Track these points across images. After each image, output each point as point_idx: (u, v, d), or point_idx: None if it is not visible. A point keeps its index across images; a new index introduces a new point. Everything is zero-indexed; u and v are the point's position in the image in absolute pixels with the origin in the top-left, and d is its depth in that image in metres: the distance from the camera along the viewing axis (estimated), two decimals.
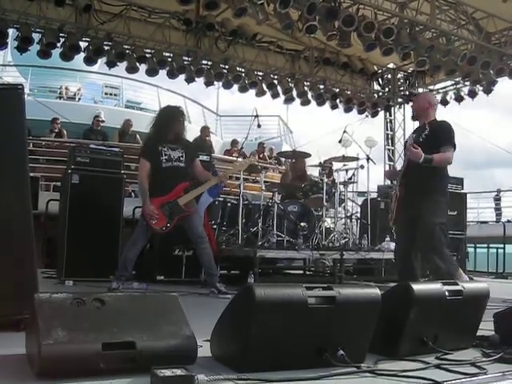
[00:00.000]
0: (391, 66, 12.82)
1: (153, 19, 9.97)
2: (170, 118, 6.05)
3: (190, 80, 10.68)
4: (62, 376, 2.25)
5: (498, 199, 19.96)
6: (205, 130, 12.88)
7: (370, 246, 8.15)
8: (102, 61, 10.16)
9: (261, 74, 11.45)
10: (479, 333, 3.36)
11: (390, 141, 13.56)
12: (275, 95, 11.66)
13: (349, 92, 12.52)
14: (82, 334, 2.37)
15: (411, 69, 12.52)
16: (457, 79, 11.77)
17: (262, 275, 6.85)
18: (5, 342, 2.89)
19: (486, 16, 9.65)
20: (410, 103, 9.71)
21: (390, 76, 13.25)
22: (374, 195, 9.47)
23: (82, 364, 2.31)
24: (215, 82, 11.21)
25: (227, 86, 11.26)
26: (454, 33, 9.52)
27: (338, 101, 12.43)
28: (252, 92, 11.43)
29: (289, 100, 12.07)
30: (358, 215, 8.94)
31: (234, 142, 14.50)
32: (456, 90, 12.10)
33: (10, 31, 9.08)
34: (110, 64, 9.91)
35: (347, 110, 12.61)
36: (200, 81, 10.86)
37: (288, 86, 11.67)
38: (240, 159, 7.23)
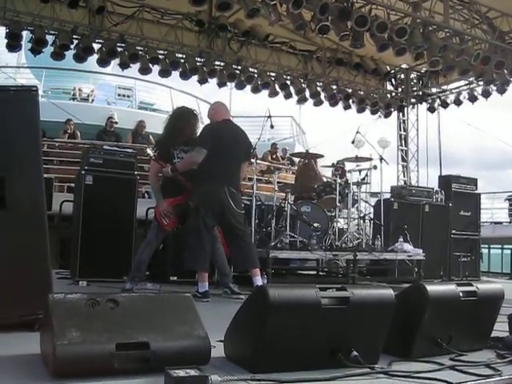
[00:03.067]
0: (404, 66, 12.76)
1: (165, 20, 10.00)
2: (183, 121, 6.06)
3: (202, 81, 10.70)
4: (76, 376, 2.27)
5: (511, 200, 19.78)
6: None
7: (383, 246, 8.11)
8: (115, 62, 10.17)
9: (273, 74, 11.44)
10: (493, 334, 3.34)
11: (403, 141, 13.50)
12: (288, 96, 11.65)
13: (362, 92, 12.49)
14: (96, 335, 2.38)
15: (424, 69, 12.47)
16: (470, 79, 11.70)
17: (275, 276, 6.85)
18: (20, 342, 2.92)
19: (500, 15, 9.58)
20: None
21: (403, 76, 13.20)
22: (387, 196, 9.43)
23: (96, 364, 2.32)
24: (228, 83, 11.21)
25: (240, 86, 11.26)
26: (467, 32, 9.46)
27: (350, 101, 12.40)
28: (265, 93, 11.42)
29: (301, 100, 12.05)
30: (371, 216, 8.90)
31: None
32: (470, 90, 12.03)
33: (24, 33, 9.13)
34: (123, 65, 9.94)
35: (360, 110, 12.57)
36: (213, 82, 10.88)
37: (301, 87, 11.65)
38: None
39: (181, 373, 2.21)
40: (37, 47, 9.11)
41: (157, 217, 5.78)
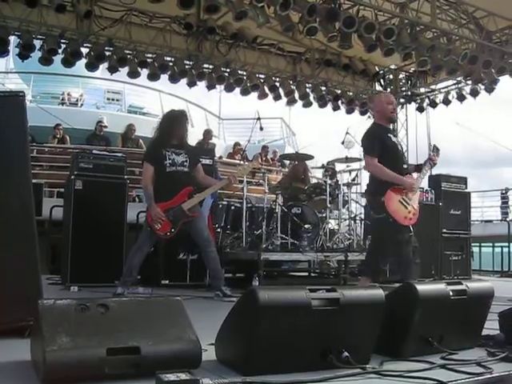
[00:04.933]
0: (393, 66, 12.80)
1: (154, 24, 9.98)
2: (174, 122, 6.03)
3: (191, 84, 10.70)
4: (66, 382, 2.26)
5: (505, 197, 19.88)
6: (207, 134, 12.86)
7: None
8: (103, 66, 10.16)
9: (262, 76, 11.46)
10: (484, 332, 3.35)
11: None
12: (277, 97, 11.65)
13: (350, 93, 12.52)
14: (87, 340, 2.38)
15: (413, 69, 12.52)
16: (458, 78, 11.75)
17: (266, 278, 6.85)
18: (10, 349, 2.91)
19: (487, 15, 9.64)
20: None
21: (391, 76, 13.23)
22: None
23: (86, 370, 2.32)
24: (217, 86, 11.19)
25: (229, 89, 11.25)
26: (454, 32, 9.51)
27: (340, 102, 12.42)
28: (254, 95, 11.42)
29: (291, 102, 12.07)
30: (362, 216, 8.92)
31: (237, 145, 14.48)
32: (458, 90, 12.08)
33: (12, 38, 9.10)
34: (112, 69, 9.92)
35: (349, 111, 12.60)
36: (202, 84, 10.87)
37: (290, 88, 11.66)
38: (243, 163, 7.15)
39: (172, 377, 2.20)
40: (24, 52, 9.06)
41: (148, 221, 5.75)
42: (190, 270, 7.18)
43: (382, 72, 13.01)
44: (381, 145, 5.22)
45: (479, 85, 11.38)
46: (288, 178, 9.12)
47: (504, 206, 19.91)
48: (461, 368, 2.73)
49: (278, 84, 11.58)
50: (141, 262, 5.85)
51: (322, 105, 12.25)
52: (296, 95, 11.84)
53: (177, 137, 5.98)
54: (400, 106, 13.42)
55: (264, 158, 13.83)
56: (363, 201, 9.57)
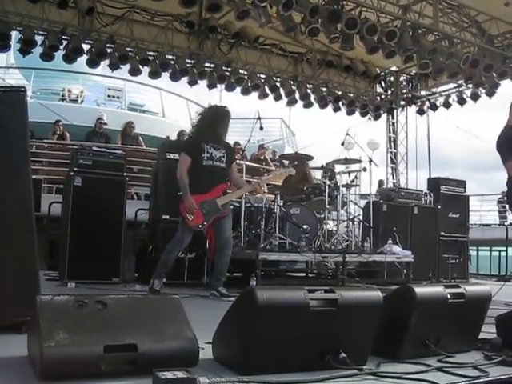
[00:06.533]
0: (394, 68, 12.82)
1: (155, 22, 9.98)
2: (217, 118, 6.06)
3: (192, 82, 10.70)
4: (63, 378, 2.25)
5: (502, 202, 19.86)
6: None
7: (372, 248, 8.15)
8: (104, 63, 10.15)
9: (263, 76, 11.47)
10: (481, 336, 3.35)
11: (392, 143, 13.55)
12: (278, 98, 11.67)
13: (351, 94, 12.53)
14: (84, 337, 2.37)
15: (414, 71, 12.54)
16: (459, 82, 11.77)
17: (264, 278, 6.85)
18: (7, 345, 2.90)
19: (489, 19, 9.65)
20: None
21: (392, 79, 13.25)
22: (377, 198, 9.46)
23: (83, 366, 2.31)
24: (218, 85, 11.20)
25: (230, 88, 11.25)
26: (456, 35, 9.52)
27: (340, 103, 12.45)
28: (255, 94, 11.43)
29: (291, 102, 12.08)
30: (361, 218, 8.92)
31: (237, 145, 14.44)
32: (459, 93, 12.10)
33: (13, 34, 9.09)
34: (113, 66, 9.91)
35: (350, 112, 12.61)
36: (203, 83, 10.87)
37: (290, 89, 11.67)
38: (280, 169, 7.02)
39: (169, 375, 2.20)
40: (26, 48, 9.07)
41: (181, 212, 5.73)
42: (187, 269, 7.17)
43: (383, 74, 13.04)
44: None
45: (480, 88, 11.40)
46: (292, 178, 9.09)
47: (502, 211, 19.91)
48: (457, 371, 2.73)
49: (278, 84, 11.59)
50: (178, 255, 6.02)
51: (323, 106, 12.26)
52: (297, 96, 11.85)
53: (218, 133, 6.00)
54: (400, 109, 13.44)
55: (261, 157, 13.79)
56: (362, 202, 9.59)
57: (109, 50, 9.72)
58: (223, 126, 6.08)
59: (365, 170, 8.36)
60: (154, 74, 10.36)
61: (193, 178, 5.76)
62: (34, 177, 5.48)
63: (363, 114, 12.75)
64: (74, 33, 9.37)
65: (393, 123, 13.55)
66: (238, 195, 6.26)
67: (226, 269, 5.94)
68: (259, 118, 7.81)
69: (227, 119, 6.15)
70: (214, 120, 6.01)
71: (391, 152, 13.50)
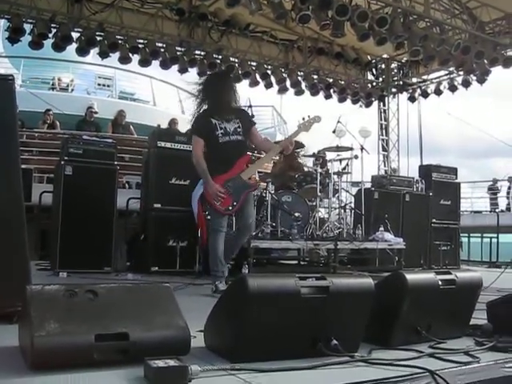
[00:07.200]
0: (385, 55, 12.78)
1: (145, 9, 9.88)
2: (218, 86, 5.40)
3: (183, 70, 10.63)
4: (55, 368, 2.25)
5: (493, 189, 19.96)
6: None
7: (364, 236, 8.16)
8: (94, 51, 10.07)
9: (254, 64, 11.41)
10: (472, 322, 3.38)
11: (384, 131, 13.54)
12: (269, 85, 11.62)
13: (342, 82, 12.50)
14: (75, 326, 2.36)
15: (405, 58, 12.50)
16: (450, 69, 11.75)
17: (256, 265, 6.85)
18: None
19: (480, 5, 9.63)
20: None
21: (383, 66, 13.22)
22: (368, 185, 9.47)
23: (75, 355, 2.31)
24: (208, 73, 11.14)
25: None
26: (447, 22, 9.49)
27: (331, 91, 12.41)
28: (245, 82, 11.38)
29: (282, 90, 12.03)
30: (352, 205, 8.93)
31: None
32: (450, 80, 12.09)
33: (1, 22, 9.02)
34: (103, 54, 9.82)
35: (341, 100, 12.58)
36: (193, 71, 10.81)
37: (281, 76, 11.62)
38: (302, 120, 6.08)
39: (160, 363, 2.21)
40: (14, 36, 8.95)
41: (207, 199, 5.22)
42: (179, 257, 7.17)
43: (374, 61, 13.01)
44: None
45: (471, 75, 11.39)
46: (280, 166, 9.08)
47: (493, 197, 20.02)
48: (449, 357, 2.75)
49: (269, 72, 11.53)
50: (223, 245, 5.23)
51: (314, 93, 12.22)
52: (288, 83, 11.81)
53: (225, 101, 5.33)
54: (391, 96, 13.43)
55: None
56: (353, 190, 9.60)
57: (98, 38, 9.61)
58: (228, 92, 5.39)
59: (356, 157, 8.35)
60: (144, 62, 10.27)
61: (210, 160, 5.18)
62: (24, 166, 5.46)
63: (354, 102, 12.74)
64: (63, 21, 9.25)
65: (384, 110, 13.53)
66: (265, 161, 5.53)
67: (235, 250, 5.57)
68: (250, 106, 7.78)
69: (230, 82, 5.58)
70: (214, 90, 5.36)
71: (383, 139, 13.49)
